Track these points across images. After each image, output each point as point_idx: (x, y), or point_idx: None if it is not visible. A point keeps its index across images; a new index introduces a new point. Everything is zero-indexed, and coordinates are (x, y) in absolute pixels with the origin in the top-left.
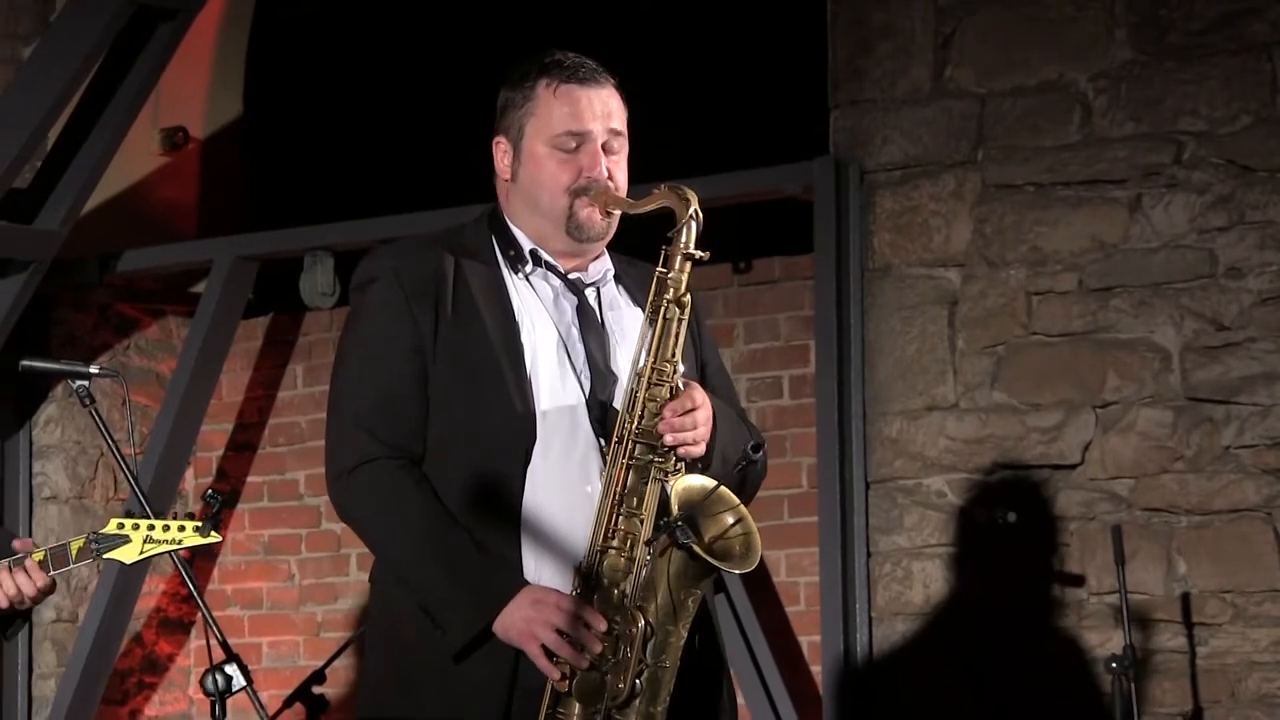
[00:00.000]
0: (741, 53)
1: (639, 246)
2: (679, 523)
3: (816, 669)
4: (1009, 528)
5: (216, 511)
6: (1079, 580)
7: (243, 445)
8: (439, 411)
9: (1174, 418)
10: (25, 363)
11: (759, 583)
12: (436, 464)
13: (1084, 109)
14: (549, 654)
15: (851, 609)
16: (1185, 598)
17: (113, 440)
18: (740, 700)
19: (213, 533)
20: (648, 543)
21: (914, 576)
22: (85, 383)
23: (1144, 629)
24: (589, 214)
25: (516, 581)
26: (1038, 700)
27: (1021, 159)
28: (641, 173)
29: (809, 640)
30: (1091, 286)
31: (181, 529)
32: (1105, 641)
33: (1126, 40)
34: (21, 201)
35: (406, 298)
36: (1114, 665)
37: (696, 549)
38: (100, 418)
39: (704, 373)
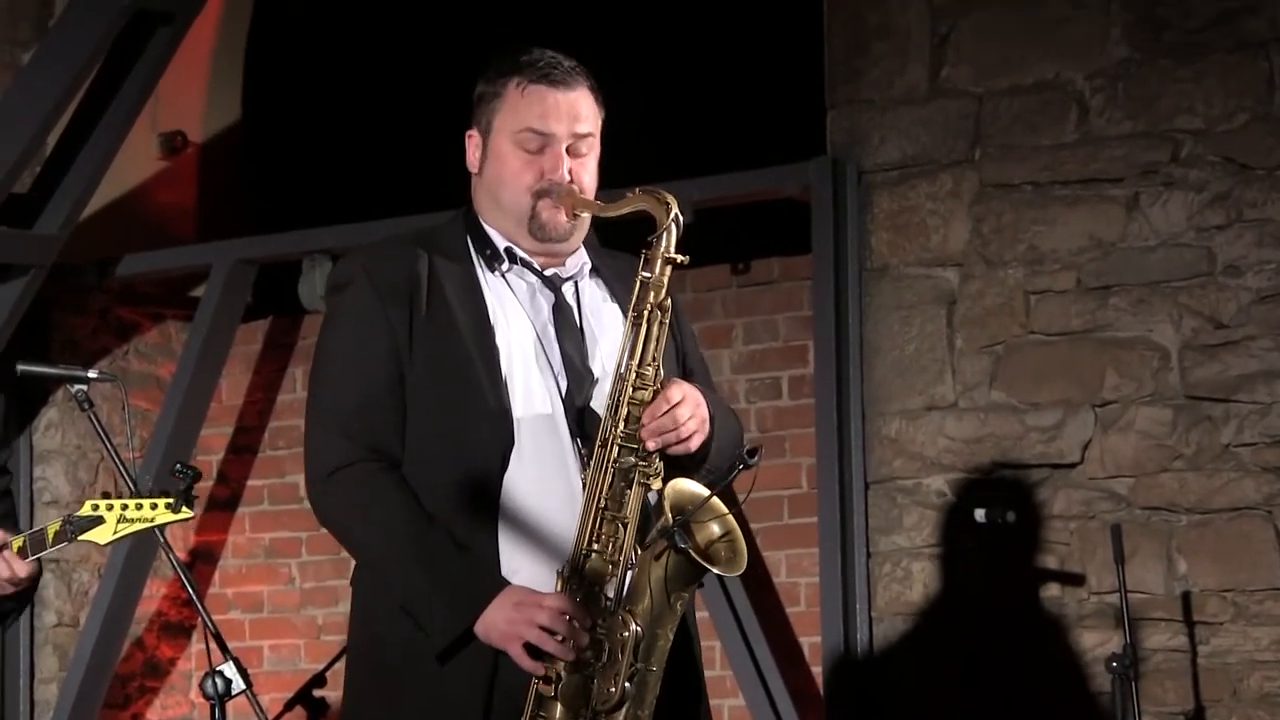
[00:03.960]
0: (738, 53)
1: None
2: (676, 527)
3: (817, 669)
4: (1008, 527)
5: (188, 487)
6: (1079, 579)
7: (243, 448)
8: (416, 414)
9: (1173, 416)
10: (22, 366)
11: (759, 584)
12: (415, 467)
13: (1081, 108)
14: (534, 653)
15: (852, 609)
16: (1186, 596)
17: (112, 445)
18: (741, 701)
19: (184, 509)
20: (644, 546)
21: (914, 576)
22: (84, 387)
23: (1144, 628)
24: (552, 215)
25: (498, 582)
26: (1038, 700)
27: (1019, 158)
28: (638, 174)
29: (809, 641)
30: (1090, 285)
31: (154, 507)
32: (1105, 641)
33: (1123, 38)
34: (21, 206)
35: (381, 300)
36: (1114, 665)
37: (693, 553)
38: (99, 422)
39: (685, 364)
